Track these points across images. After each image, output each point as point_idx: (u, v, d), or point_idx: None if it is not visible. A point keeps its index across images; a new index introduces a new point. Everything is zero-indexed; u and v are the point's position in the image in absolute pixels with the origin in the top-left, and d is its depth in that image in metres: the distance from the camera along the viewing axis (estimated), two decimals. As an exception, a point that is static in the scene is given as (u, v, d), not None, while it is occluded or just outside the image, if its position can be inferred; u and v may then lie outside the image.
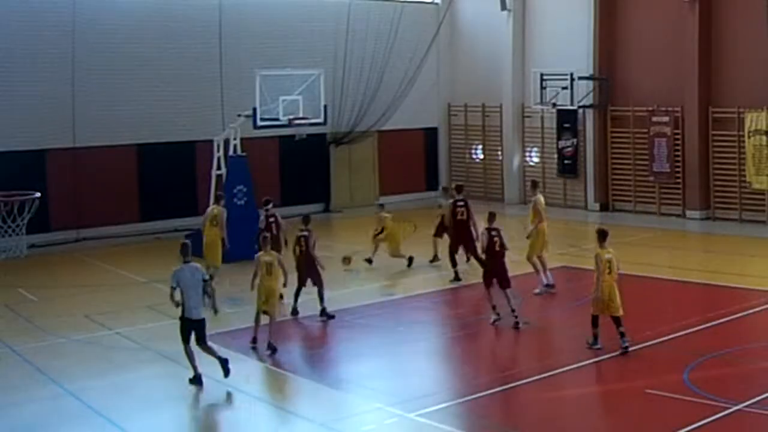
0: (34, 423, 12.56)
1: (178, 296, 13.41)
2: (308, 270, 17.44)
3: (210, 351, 13.77)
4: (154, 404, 13.32)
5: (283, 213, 21.12)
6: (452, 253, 20.37)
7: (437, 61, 33.63)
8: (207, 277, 13.98)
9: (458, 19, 33.92)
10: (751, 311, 16.95)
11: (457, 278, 20.25)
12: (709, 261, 22.80)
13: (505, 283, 16.67)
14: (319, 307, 17.35)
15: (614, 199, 29.97)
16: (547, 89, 29.93)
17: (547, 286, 19.09)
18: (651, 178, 28.67)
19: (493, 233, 16.76)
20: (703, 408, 11.95)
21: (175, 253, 13.89)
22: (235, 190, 23.06)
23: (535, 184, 19.99)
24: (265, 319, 15.48)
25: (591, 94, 29.77)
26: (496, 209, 30.52)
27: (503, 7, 31.63)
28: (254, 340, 15.55)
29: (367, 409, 12.75)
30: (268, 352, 15.21)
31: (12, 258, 23.55)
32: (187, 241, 14.20)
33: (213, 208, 20.16)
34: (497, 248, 16.68)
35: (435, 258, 21.90)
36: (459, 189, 20.86)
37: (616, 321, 14.83)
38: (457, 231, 20.33)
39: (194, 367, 13.61)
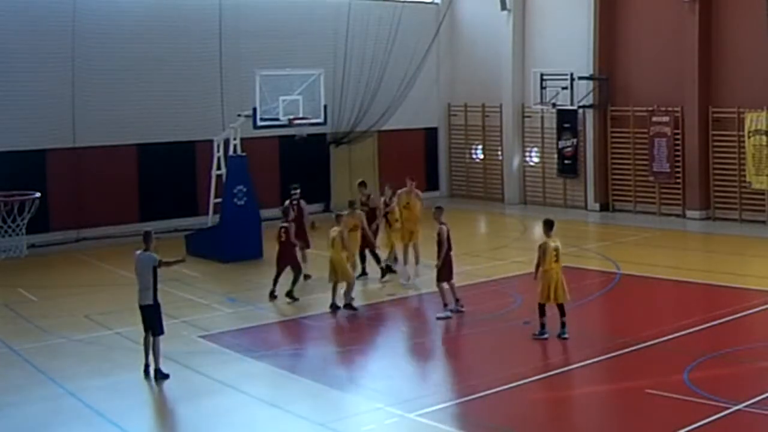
0: (34, 423, 12.53)
1: None
2: (286, 258, 18.83)
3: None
4: (154, 404, 13.31)
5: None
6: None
7: (437, 61, 33.61)
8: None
9: (458, 19, 33.91)
10: (751, 311, 16.93)
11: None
12: (709, 261, 22.77)
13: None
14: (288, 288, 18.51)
15: (614, 199, 29.95)
16: (547, 89, 29.90)
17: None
18: (651, 178, 28.65)
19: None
20: (703, 408, 11.94)
21: (175, 254, 13.88)
22: (235, 190, 23.03)
23: (387, 184, 21.63)
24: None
25: (591, 94, 29.74)
26: (496, 209, 31.33)
27: (503, 7, 31.61)
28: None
29: (367, 409, 12.73)
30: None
31: (12, 258, 23.51)
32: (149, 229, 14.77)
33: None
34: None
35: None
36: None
37: (561, 309, 15.44)
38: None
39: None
